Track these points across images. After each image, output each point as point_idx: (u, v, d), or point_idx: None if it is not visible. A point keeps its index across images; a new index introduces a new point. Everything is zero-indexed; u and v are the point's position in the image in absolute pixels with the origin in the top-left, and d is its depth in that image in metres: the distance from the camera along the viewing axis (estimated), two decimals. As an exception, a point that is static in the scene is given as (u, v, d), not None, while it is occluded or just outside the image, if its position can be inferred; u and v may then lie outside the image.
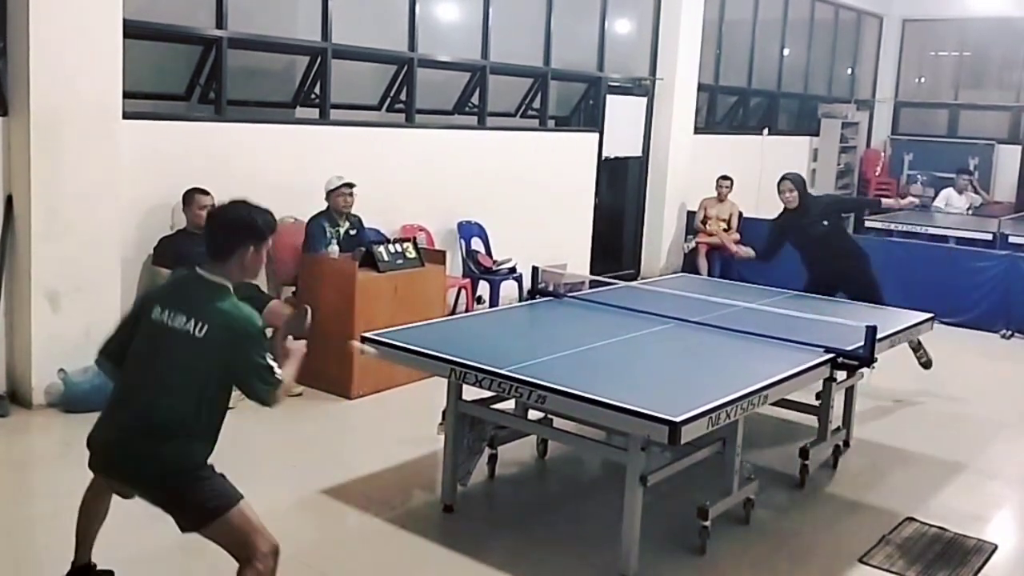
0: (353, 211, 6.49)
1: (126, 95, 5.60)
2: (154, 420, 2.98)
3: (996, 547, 4.30)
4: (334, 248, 6.18)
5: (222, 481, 3.03)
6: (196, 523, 2.98)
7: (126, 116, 5.61)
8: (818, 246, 6.32)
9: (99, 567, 3.38)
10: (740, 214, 10.36)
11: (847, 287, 6.26)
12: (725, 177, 10.25)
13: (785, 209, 6.41)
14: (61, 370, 5.37)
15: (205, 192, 5.93)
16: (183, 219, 5.97)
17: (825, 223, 6.33)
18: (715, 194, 10.27)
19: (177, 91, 6.60)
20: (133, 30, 5.68)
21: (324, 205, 6.40)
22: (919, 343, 6.27)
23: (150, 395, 3.01)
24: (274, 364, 3.01)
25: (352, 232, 6.46)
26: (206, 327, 2.97)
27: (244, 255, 3.09)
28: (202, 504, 2.95)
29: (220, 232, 3.13)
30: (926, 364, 6.44)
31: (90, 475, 3.23)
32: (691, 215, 10.55)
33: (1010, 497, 5.10)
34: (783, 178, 6.42)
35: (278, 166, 6.65)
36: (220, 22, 6.41)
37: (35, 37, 5.11)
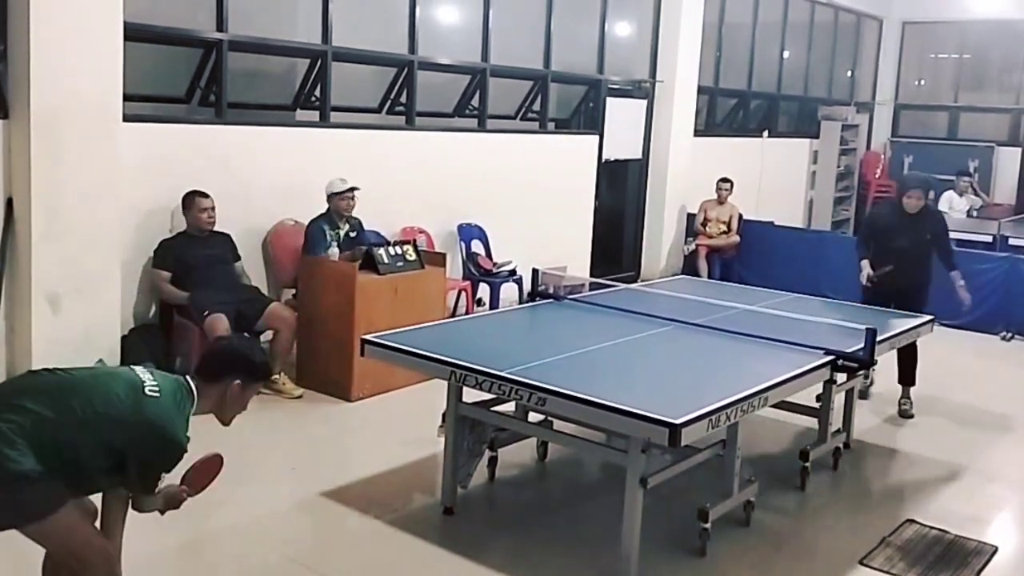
0: (353, 213, 6.49)
1: (126, 97, 5.59)
2: (28, 425, 2.70)
3: (996, 549, 4.30)
4: (334, 251, 6.18)
5: (50, 485, 2.76)
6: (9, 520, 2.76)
7: (126, 118, 5.61)
8: (908, 255, 6.08)
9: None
10: (740, 216, 10.37)
11: (901, 303, 5.89)
12: (725, 179, 10.24)
13: (900, 208, 6.14)
14: (61, 372, 5.36)
15: (205, 195, 5.93)
16: (183, 222, 5.97)
17: (929, 236, 6.12)
18: (715, 196, 10.27)
19: (177, 94, 6.60)
20: (134, 33, 5.68)
21: (324, 207, 6.40)
22: (908, 394, 6.20)
23: (45, 401, 2.77)
24: (159, 485, 2.91)
25: (352, 234, 6.46)
26: (158, 396, 2.86)
27: (229, 386, 3.04)
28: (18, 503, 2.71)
29: (216, 356, 3.18)
30: (909, 416, 6.14)
31: None
32: (691, 217, 10.54)
33: (1010, 499, 5.11)
34: (914, 187, 6.13)
35: (278, 168, 6.66)
36: (220, 25, 6.42)
37: (35, 39, 5.10)
